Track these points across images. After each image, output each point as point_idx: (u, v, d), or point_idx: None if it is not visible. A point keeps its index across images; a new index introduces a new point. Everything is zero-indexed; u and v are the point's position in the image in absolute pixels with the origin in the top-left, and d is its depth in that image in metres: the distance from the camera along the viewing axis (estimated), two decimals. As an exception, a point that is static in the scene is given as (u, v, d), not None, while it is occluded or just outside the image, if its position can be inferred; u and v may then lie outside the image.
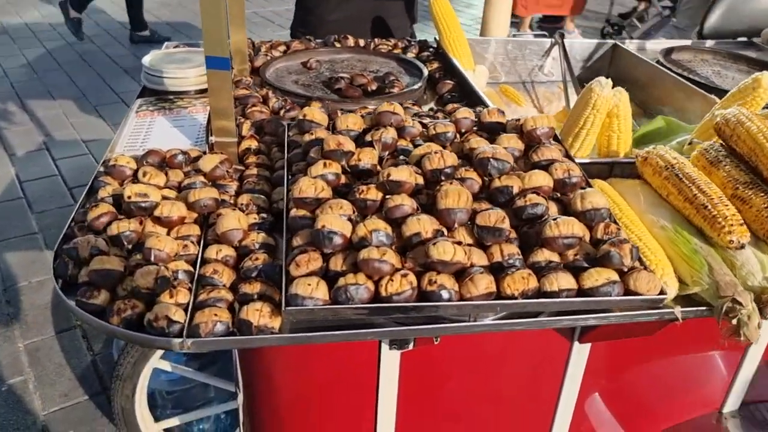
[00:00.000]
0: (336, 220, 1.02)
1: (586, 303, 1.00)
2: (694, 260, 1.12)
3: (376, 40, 2.26)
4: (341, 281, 0.96)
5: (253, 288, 1.03)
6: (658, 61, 2.27)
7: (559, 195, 1.18)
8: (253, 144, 1.46)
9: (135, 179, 1.29)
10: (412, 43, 2.28)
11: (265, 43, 2.17)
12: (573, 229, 1.03)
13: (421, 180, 1.15)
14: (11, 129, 4.84)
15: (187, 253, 1.12)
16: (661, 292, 1.01)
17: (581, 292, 1.00)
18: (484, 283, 0.97)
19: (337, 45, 2.19)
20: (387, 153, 1.25)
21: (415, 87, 1.84)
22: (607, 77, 1.45)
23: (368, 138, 1.24)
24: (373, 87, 1.83)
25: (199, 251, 1.13)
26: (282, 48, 2.14)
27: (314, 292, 0.95)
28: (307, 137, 1.27)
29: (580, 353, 1.37)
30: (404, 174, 1.10)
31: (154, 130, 1.58)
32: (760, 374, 1.53)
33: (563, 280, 1.00)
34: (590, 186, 1.18)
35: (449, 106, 1.70)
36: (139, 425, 2.14)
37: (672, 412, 1.56)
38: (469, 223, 1.08)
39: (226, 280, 1.07)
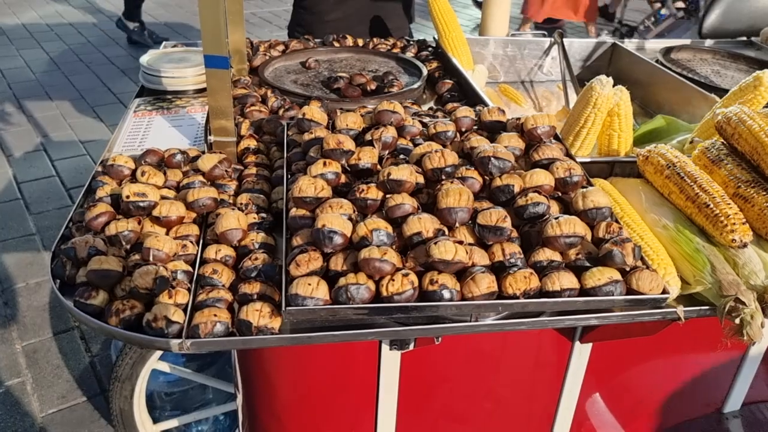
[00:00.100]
0: (336, 219, 1.01)
1: (589, 303, 1.00)
2: (697, 259, 1.12)
3: (374, 39, 2.26)
4: (342, 281, 0.96)
5: (253, 288, 1.03)
6: (657, 61, 2.27)
7: (560, 194, 1.18)
8: (252, 143, 1.45)
9: (133, 179, 1.28)
10: (411, 42, 2.27)
11: (263, 42, 2.16)
12: (575, 228, 1.02)
13: (421, 179, 1.15)
14: (9, 130, 4.83)
15: (186, 253, 1.11)
16: (664, 292, 1.01)
17: (583, 291, 1.00)
18: (486, 283, 0.97)
19: (336, 44, 2.19)
20: (387, 152, 1.24)
21: (415, 86, 1.84)
22: (606, 77, 1.45)
23: (368, 137, 1.24)
24: (372, 86, 1.83)
25: (198, 251, 1.13)
26: (280, 47, 2.13)
27: (314, 292, 0.94)
28: (307, 136, 1.27)
29: (582, 353, 1.36)
30: (405, 173, 1.09)
31: (153, 129, 1.57)
32: (761, 374, 1.53)
33: (565, 280, 0.99)
34: (591, 185, 1.17)
35: (449, 106, 1.70)
36: (138, 427, 2.13)
37: (673, 412, 1.56)
38: (470, 223, 1.07)
39: (226, 281, 1.07)
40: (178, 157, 1.33)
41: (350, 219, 1.05)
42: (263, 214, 1.21)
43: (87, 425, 2.49)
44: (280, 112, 1.62)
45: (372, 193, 1.09)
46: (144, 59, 1.85)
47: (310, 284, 0.95)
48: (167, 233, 1.15)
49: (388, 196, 1.08)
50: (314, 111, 1.33)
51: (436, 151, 1.16)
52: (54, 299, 3.09)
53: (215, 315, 0.98)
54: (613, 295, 0.99)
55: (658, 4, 6.82)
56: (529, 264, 1.03)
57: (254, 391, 1.46)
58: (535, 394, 1.46)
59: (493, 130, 1.32)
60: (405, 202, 1.06)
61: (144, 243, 1.06)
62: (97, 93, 5.59)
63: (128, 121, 1.62)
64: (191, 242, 1.14)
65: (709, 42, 2.66)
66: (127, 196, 1.14)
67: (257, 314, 0.98)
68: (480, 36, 2.48)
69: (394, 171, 1.09)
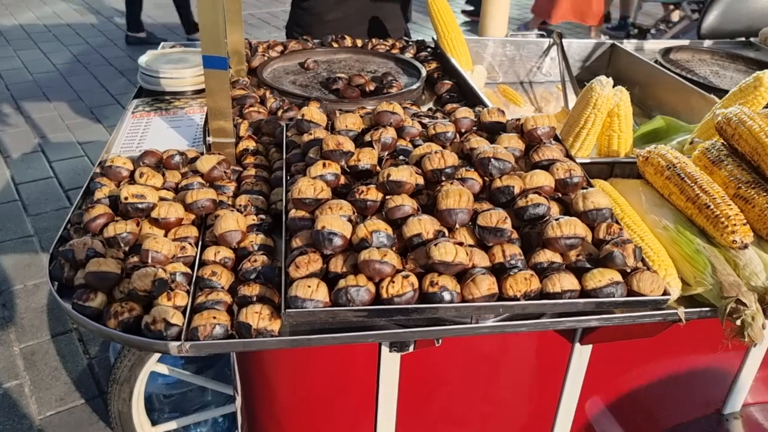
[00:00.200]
0: (336, 220, 1.00)
1: (590, 304, 0.99)
2: (697, 260, 1.11)
3: (373, 40, 2.25)
4: (341, 283, 0.95)
5: (252, 290, 1.02)
6: (656, 61, 2.26)
7: (560, 195, 1.17)
8: (251, 145, 1.45)
9: (132, 180, 1.27)
10: (410, 43, 2.27)
11: (262, 43, 2.16)
12: (575, 229, 1.02)
13: (421, 180, 1.14)
14: (6, 131, 4.82)
15: (184, 255, 1.10)
16: (665, 293, 1.00)
17: (584, 293, 0.99)
18: (486, 285, 0.96)
19: (335, 45, 2.18)
20: (386, 153, 1.24)
21: (414, 87, 1.83)
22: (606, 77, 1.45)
23: (367, 138, 1.23)
24: (371, 87, 1.82)
25: (197, 253, 1.12)
26: (279, 48, 2.13)
27: (314, 294, 0.94)
28: (306, 137, 1.26)
29: (582, 355, 1.36)
30: (404, 174, 1.08)
31: (151, 130, 1.56)
32: (761, 375, 1.53)
33: (566, 281, 0.99)
34: (592, 186, 1.17)
35: (448, 106, 1.70)
36: (137, 429, 2.12)
37: (673, 413, 1.55)
38: (471, 224, 1.06)
39: (225, 283, 1.06)
40: (177, 158, 1.32)
41: (350, 220, 1.04)
42: (262, 216, 1.20)
43: (85, 428, 2.48)
44: (279, 113, 1.61)
45: (372, 194, 1.08)
46: (142, 60, 1.85)
47: (309, 286, 0.94)
48: (166, 235, 1.15)
49: (387, 197, 1.08)
50: (313, 112, 1.32)
51: (435, 152, 1.15)
52: (52, 301, 3.08)
53: (214, 317, 0.97)
54: (613, 296, 0.98)
55: (672, 6, 6.86)
56: (530, 265, 1.03)
57: (253, 393, 1.45)
58: (535, 396, 1.46)
59: (492, 131, 1.31)
60: (405, 203, 1.06)
61: (142, 245, 1.06)
62: (95, 94, 5.58)
63: (126, 122, 1.61)
64: (190, 244, 1.13)
65: (707, 43, 2.66)
66: (126, 198, 1.14)
67: (257, 316, 0.97)
68: (479, 36, 2.48)
69: (393, 172, 1.08)
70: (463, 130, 1.32)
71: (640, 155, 1.32)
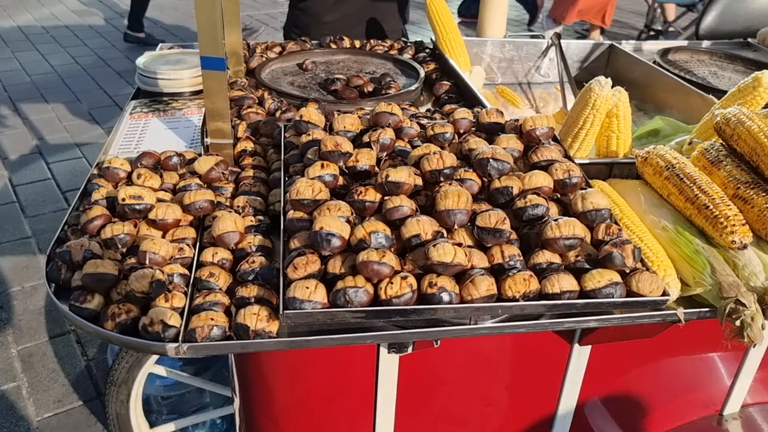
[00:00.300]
0: (334, 221, 1.00)
1: (589, 305, 0.99)
2: (696, 261, 1.11)
3: (372, 41, 2.25)
4: (340, 284, 0.95)
5: (250, 291, 1.02)
6: (654, 62, 2.26)
7: (559, 196, 1.17)
8: (249, 146, 1.44)
9: (129, 181, 1.27)
10: (408, 44, 2.27)
11: (260, 44, 2.16)
12: (574, 230, 1.02)
13: (419, 181, 1.14)
14: (4, 133, 4.81)
15: (182, 257, 1.10)
16: (664, 294, 1.00)
17: (583, 293, 0.99)
18: (485, 285, 0.96)
19: (333, 46, 2.18)
20: (385, 154, 1.23)
21: (412, 88, 1.83)
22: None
23: (366, 139, 1.23)
24: (370, 88, 1.82)
25: (194, 254, 1.12)
26: (277, 49, 2.12)
27: (312, 295, 0.93)
28: (304, 138, 1.26)
29: (581, 356, 1.35)
30: (403, 175, 1.08)
31: (149, 131, 1.56)
32: (761, 376, 1.52)
33: (565, 282, 0.98)
34: (590, 186, 1.16)
35: (447, 107, 1.70)
36: (134, 431, 2.11)
37: (672, 414, 1.55)
38: (469, 225, 1.06)
39: (223, 284, 1.06)
40: (175, 159, 1.32)
41: (348, 221, 1.04)
42: (260, 217, 1.20)
43: (83, 429, 2.47)
44: (277, 114, 1.61)
45: (370, 195, 1.08)
46: (140, 61, 1.84)
47: (308, 287, 0.94)
48: (163, 236, 1.14)
49: (386, 198, 1.08)
50: (311, 113, 1.32)
51: (434, 153, 1.15)
52: (50, 303, 3.07)
53: (212, 319, 0.97)
54: (613, 297, 0.98)
55: (683, 9, 6.88)
56: (529, 266, 1.03)
57: (252, 394, 1.45)
58: (533, 396, 1.46)
59: (491, 132, 1.31)
60: (403, 204, 1.05)
61: (140, 246, 1.05)
62: (93, 96, 5.57)
63: (124, 124, 1.61)
64: (188, 245, 1.13)
65: (706, 43, 2.66)
66: (123, 199, 1.13)
67: (255, 318, 0.97)
68: (477, 37, 2.48)
69: (392, 173, 1.08)
70: (461, 131, 1.32)
71: (639, 156, 1.32)
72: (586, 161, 1.43)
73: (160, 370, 2.08)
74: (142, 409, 2.13)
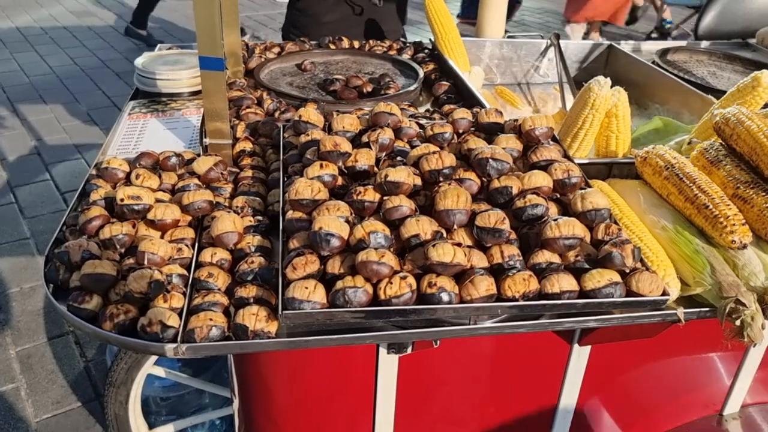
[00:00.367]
0: (333, 221, 1.00)
1: (589, 305, 0.99)
2: (696, 261, 1.11)
3: (370, 41, 2.25)
4: (339, 284, 0.95)
5: (249, 292, 1.01)
6: (653, 62, 2.26)
7: (558, 196, 1.17)
8: (248, 146, 1.44)
9: (128, 182, 1.27)
10: (407, 44, 2.27)
11: (259, 44, 2.15)
12: (574, 229, 1.01)
13: (419, 181, 1.14)
14: (3, 134, 4.80)
15: (181, 257, 1.10)
16: (664, 293, 1.00)
17: (583, 293, 0.99)
18: (485, 285, 0.96)
19: (332, 47, 2.18)
20: (384, 154, 1.23)
21: (411, 88, 1.83)
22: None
23: (365, 139, 1.23)
24: (369, 89, 1.82)
25: (193, 255, 1.11)
26: (276, 50, 2.12)
27: (312, 295, 0.93)
28: (303, 138, 1.26)
29: (580, 356, 1.35)
30: (402, 175, 1.08)
31: (147, 132, 1.56)
32: (760, 376, 1.52)
33: (564, 282, 0.98)
34: (590, 186, 1.16)
35: (446, 108, 1.69)
36: (133, 432, 2.11)
37: (672, 414, 1.55)
38: (469, 225, 1.06)
39: (222, 284, 1.05)
40: (173, 159, 1.32)
41: (347, 221, 1.04)
42: (259, 217, 1.20)
43: (82, 431, 2.47)
44: (276, 114, 1.61)
45: (369, 195, 1.08)
46: (138, 61, 1.84)
47: (307, 287, 0.94)
48: (162, 237, 1.14)
49: (385, 198, 1.07)
50: (310, 113, 1.32)
51: (433, 153, 1.15)
52: (48, 304, 3.07)
53: (211, 319, 0.97)
54: (612, 297, 0.98)
55: (692, 11, 6.90)
56: (528, 266, 1.02)
57: (251, 395, 1.45)
58: (533, 397, 1.45)
59: (490, 132, 1.31)
60: (402, 204, 1.05)
61: (138, 246, 1.05)
62: (91, 97, 5.57)
63: (122, 124, 1.61)
64: (186, 245, 1.12)
65: (705, 43, 2.66)
66: (122, 200, 1.13)
67: (254, 318, 0.97)
68: (476, 38, 2.48)
69: (391, 173, 1.08)
70: (460, 131, 1.32)
71: (638, 155, 1.32)
72: (586, 161, 1.43)
73: (159, 371, 2.08)
74: (141, 410, 2.13)
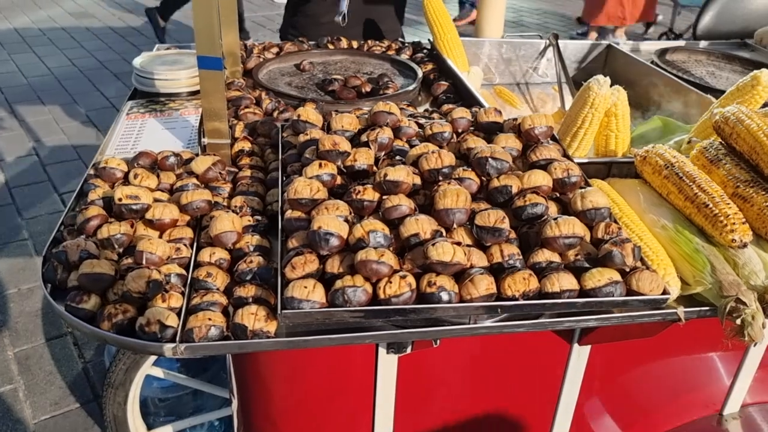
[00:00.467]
0: (332, 221, 0.99)
1: (589, 304, 0.98)
2: (696, 260, 1.11)
3: (369, 41, 2.24)
4: (338, 283, 0.94)
5: (248, 291, 1.01)
6: (652, 62, 2.26)
7: (558, 195, 1.17)
8: (247, 146, 1.44)
9: (126, 181, 1.26)
10: (406, 44, 2.27)
11: (257, 44, 2.15)
12: (574, 228, 1.01)
13: (418, 180, 1.13)
14: (1, 135, 4.80)
15: (179, 257, 1.09)
16: (665, 292, 1.00)
17: (583, 292, 0.98)
18: (485, 284, 0.95)
19: (331, 47, 2.18)
20: (383, 153, 1.23)
21: (410, 88, 1.82)
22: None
23: (364, 138, 1.23)
24: (367, 89, 1.82)
25: (192, 254, 1.11)
26: (274, 50, 2.12)
27: (311, 294, 0.93)
28: (302, 138, 1.25)
29: (580, 356, 1.35)
30: (401, 174, 1.07)
31: (145, 132, 1.55)
32: (761, 376, 1.52)
33: (565, 281, 0.98)
34: (589, 185, 1.16)
35: (444, 107, 1.69)
36: (132, 433, 2.10)
37: (672, 414, 1.54)
38: (468, 224, 1.06)
39: (220, 284, 1.05)
40: (172, 159, 1.31)
41: (346, 221, 1.03)
42: (258, 217, 1.19)
43: (80, 432, 2.47)
44: (275, 114, 1.60)
45: (368, 194, 1.07)
46: (137, 61, 1.84)
47: (306, 287, 0.93)
48: (160, 236, 1.14)
49: (384, 197, 1.07)
50: (309, 112, 1.32)
51: (432, 152, 1.14)
52: (46, 305, 3.06)
53: (210, 319, 0.96)
54: (613, 296, 0.98)
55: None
56: (528, 265, 1.02)
57: (250, 395, 1.44)
58: (533, 397, 1.45)
59: (489, 131, 1.30)
60: (402, 203, 1.05)
61: (137, 246, 1.05)
62: (89, 97, 5.56)
63: (121, 124, 1.60)
64: (185, 245, 1.12)
65: (703, 43, 2.66)
66: (120, 199, 1.13)
67: (252, 318, 0.96)
68: (474, 38, 2.48)
69: (390, 172, 1.07)
70: (460, 131, 1.31)
71: (638, 155, 1.32)
72: (585, 160, 1.43)
73: (158, 372, 2.07)
74: (140, 411, 2.12)
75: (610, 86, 1.44)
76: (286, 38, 2.59)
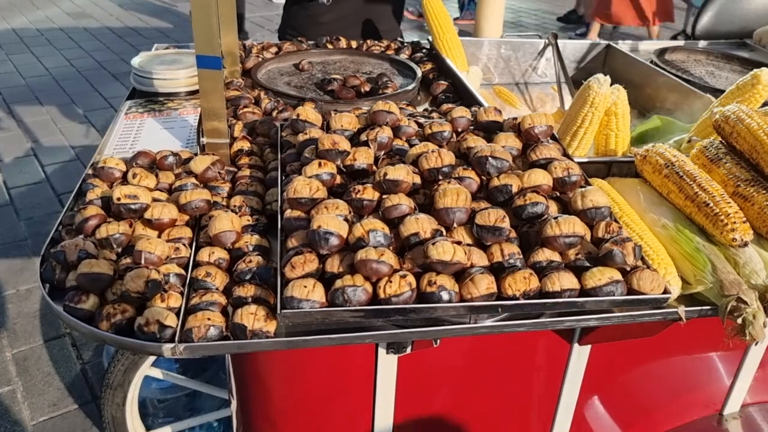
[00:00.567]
0: (332, 220, 0.99)
1: (590, 303, 0.98)
2: (697, 259, 1.10)
3: (368, 41, 2.24)
4: (338, 283, 0.94)
5: (247, 291, 1.01)
6: (651, 62, 2.26)
7: (558, 194, 1.16)
8: (246, 145, 1.43)
9: (124, 181, 1.26)
10: (405, 44, 2.26)
11: (256, 44, 2.15)
12: (574, 227, 1.01)
13: (418, 179, 1.13)
14: (-2, 135, 4.79)
15: (178, 256, 1.09)
16: (665, 292, 0.99)
17: (584, 292, 0.98)
18: (485, 284, 0.95)
19: (329, 46, 2.17)
20: (383, 152, 1.22)
21: (409, 88, 1.82)
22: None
23: (363, 137, 1.22)
24: (367, 88, 1.81)
25: (191, 254, 1.10)
26: (273, 50, 2.11)
27: (311, 294, 0.92)
28: (301, 137, 1.25)
29: (580, 355, 1.34)
30: (401, 173, 1.07)
31: (144, 131, 1.55)
32: (761, 375, 1.52)
33: (565, 280, 0.97)
34: (590, 185, 1.16)
35: (444, 107, 1.69)
36: (130, 434, 2.10)
37: (672, 414, 1.54)
38: (468, 223, 1.05)
39: (219, 284, 1.05)
40: (170, 159, 1.31)
41: (346, 220, 1.03)
42: (257, 216, 1.19)
43: (78, 433, 2.46)
44: (274, 113, 1.60)
45: (368, 193, 1.07)
46: (135, 61, 1.83)
47: (305, 286, 0.93)
48: (159, 236, 1.13)
49: (384, 196, 1.07)
50: (308, 112, 1.31)
51: (432, 151, 1.14)
52: (45, 306, 3.05)
53: (209, 319, 0.96)
54: (614, 295, 0.97)
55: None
56: (529, 264, 1.02)
57: (249, 396, 1.44)
58: (533, 397, 1.45)
59: (489, 131, 1.30)
60: (402, 202, 1.04)
61: (135, 246, 1.04)
62: (87, 98, 5.55)
63: (119, 124, 1.60)
64: (184, 245, 1.11)
65: (702, 43, 2.66)
66: (118, 199, 1.12)
67: (252, 317, 0.96)
68: (474, 37, 2.47)
69: (390, 171, 1.07)
70: (459, 130, 1.31)
71: (638, 154, 1.31)
72: (585, 160, 1.42)
73: (157, 373, 2.06)
74: (138, 413, 2.11)
75: (610, 85, 1.43)
76: (285, 39, 2.58)
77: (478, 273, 0.96)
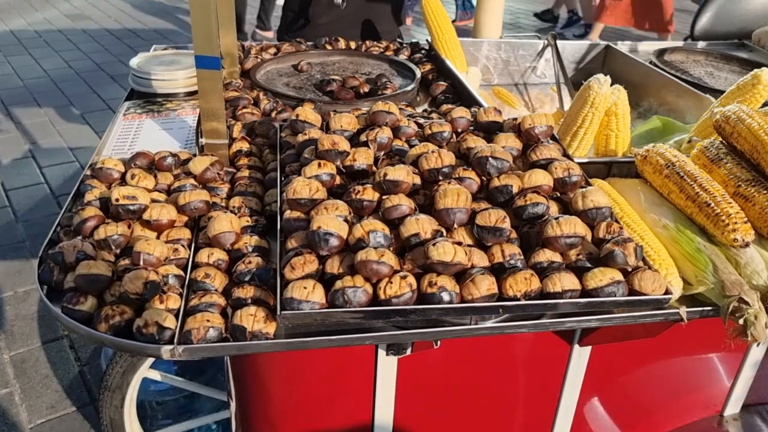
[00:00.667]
0: (332, 221, 0.99)
1: (591, 304, 0.97)
2: (698, 259, 1.10)
3: (367, 42, 2.24)
4: (338, 284, 0.93)
5: (247, 292, 1.00)
6: (651, 62, 2.26)
7: (559, 194, 1.16)
8: (245, 146, 1.43)
9: (123, 182, 1.25)
10: (404, 45, 2.26)
11: (255, 45, 2.14)
12: (575, 228, 1.00)
13: (418, 180, 1.12)
14: (-4, 137, 4.78)
15: (177, 257, 1.08)
16: (667, 292, 0.99)
17: (585, 292, 0.98)
18: (486, 285, 0.95)
19: (328, 47, 2.17)
20: (382, 153, 1.22)
21: (408, 88, 1.82)
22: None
23: (363, 138, 1.22)
24: (366, 89, 1.81)
25: (190, 255, 1.10)
26: (272, 50, 2.11)
27: (310, 295, 0.92)
28: (301, 137, 1.24)
29: (581, 356, 1.34)
30: (401, 173, 1.07)
31: (143, 132, 1.54)
32: (761, 376, 1.51)
33: (566, 281, 0.97)
34: (590, 185, 1.15)
35: (443, 107, 1.68)
36: (129, 436, 2.09)
37: (672, 415, 1.54)
38: (469, 224, 1.05)
39: (219, 285, 1.04)
40: (169, 159, 1.30)
41: (346, 221, 1.02)
42: (256, 217, 1.18)
43: (77, 436, 2.45)
44: (273, 114, 1.60)
45: (368, 194, 1.07)
46: (134, 62, 1.83)
47: (305, 287, 0.92)
48: (158, 237, 1.12)
49: (384, 197, 1.06)
50: (308, 112, 1.31)
51: (432, 152, 1.13)
52: (43, 308, 3.04)
53: (208, 320, 0.95)
54: (615, 296, 0.97)
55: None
56: (530, 265, 1.01)
57: (248, 398, 1.43)
58: (533, 398, 1.44)
59: (489, 131, 1.30)
60: (402, 203, 1.04)
61: (134, 247, 1.04)
62: (86, 100, 5.54)
63: (118, 125, 1.59)
64: (183, 246, 1.11)
65: (701, 44, 2.66)
66: (117, 200, 1.12)
67: (251, 319, 0.95)
68: (473, 38, 2.47)
69: (390, 171, 1.06)
70: (459, 130, 1.31)
71: (638, 154, 1.31)
72: (585, 160, 1.42)
73: (155, 375, 2.06)
74: (137, 415, 2.10)
75: (610, 86, 1.43)
76: (284, 40, 2.58)
77: (479, 274, 0.96)
